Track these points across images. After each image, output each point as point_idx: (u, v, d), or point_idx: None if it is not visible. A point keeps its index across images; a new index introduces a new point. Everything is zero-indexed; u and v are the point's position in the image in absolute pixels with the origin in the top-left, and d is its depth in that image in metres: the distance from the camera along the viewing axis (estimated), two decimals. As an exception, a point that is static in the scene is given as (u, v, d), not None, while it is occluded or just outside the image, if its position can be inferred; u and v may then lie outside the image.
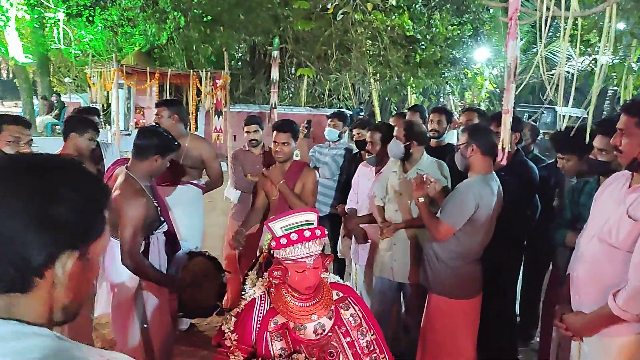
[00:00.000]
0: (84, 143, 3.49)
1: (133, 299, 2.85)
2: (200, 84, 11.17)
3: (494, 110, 15.15)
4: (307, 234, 1.89)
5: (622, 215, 2.03)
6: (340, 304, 2.08)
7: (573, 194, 2.92)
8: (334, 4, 8.56)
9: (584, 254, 2.24)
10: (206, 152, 3.97)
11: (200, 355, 3.71)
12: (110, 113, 12.29)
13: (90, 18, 13.07)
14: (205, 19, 12.22)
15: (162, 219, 2.88)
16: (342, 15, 9.19)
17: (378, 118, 14.86)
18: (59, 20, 13.15)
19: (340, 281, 2.23)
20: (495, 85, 16.65)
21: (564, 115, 3.18)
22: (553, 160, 3.57)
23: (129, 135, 11.81)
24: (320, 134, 5.59)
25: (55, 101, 15.15)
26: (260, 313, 2.00)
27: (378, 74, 13.55)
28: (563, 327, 2.29)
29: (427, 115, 4.60)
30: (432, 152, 3.71)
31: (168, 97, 10.73)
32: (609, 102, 18.94)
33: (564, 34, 2.40)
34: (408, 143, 3.35)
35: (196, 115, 12.23)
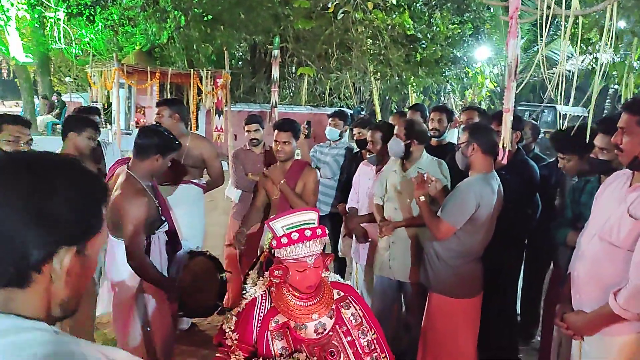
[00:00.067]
0: (83, 142, 3.49)
1: (134, 298, 2.86)
2: (201, 83, 11.18)
3: (494, 109, 15.13)
4: (308, 233, 1.89)
5: (623, 214, 2.03)
6: (341, 303, 2.08)
7: (574, 193, 2.91)
8: (335, 3, 8.55)
9: (584, 253, 2.23)
10: (207, 152, 3.97)
11: (201, 355, 3.71)
12: (111, 112, 12.31)
13: (91, 17, 13.08)
14: (205, 18, 12.22)
15: (163, 218, 2.89)
16: (342, 14, 9.18)
17: (379, 117, 14.86)
18: (59, 19, 13.16)
19: (341, 280, 2.22)
20: (495, 84, 16.65)
21: (564, 114, 3.19)
22: (554, 159, 3.57)
23: (130, 134, 11.81)
24: (321, 133, 5.59)
25: (56, 101, 15.16)
26: (261, 312, 2.00)
27: (379, 73, 13.56)
28: (564, 326, 2.29)
29: (427, 114, 4.60)
30: (433, 151, 3.70)
31: (169, 97, 10.76)
32: (609, 100, 18.94)
33: (565, 32, 2.40)
34: (408, 141, 3.35)
35: (197, 114, 12.25)
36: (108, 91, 11.31)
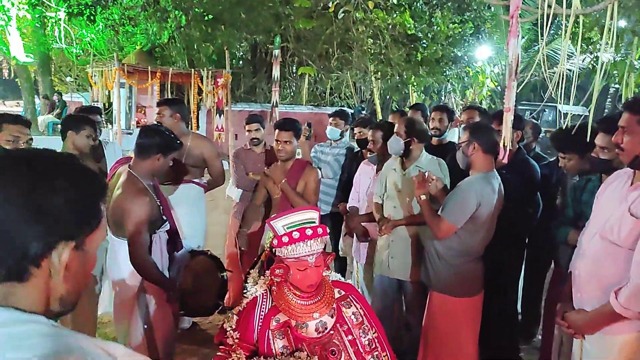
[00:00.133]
0: (82, 140, 3.49)
1: (135, 297, 2.86)
2: (202, 83, 11.19)
3: (495, 109, 15.12)
4: (309, 232, 1.89)
5: (624, 212, 2.03)
6: (342, 302, 2.08)
7: (575, 192, 2.91)
8: (335, 3, 8.55)
9: (585, 252, 2.24)
10: (208, 151, 3.97)
11: (202, 354, 3.72)
12: (112, 112, 12.31)
13: (92, 17, 13.09)
14: (206, 18, 12.23)
15: (164, 217, 2.89)
16: (343, 14, 9.18)
17: (379, 117, 14.86)
18: (60, 19, 13.17)
19: (342, 279, 2.23)
20: (496, 83, 16.63)
21: (565, 113, 3.19)
22: (554, 158, 3.57)
23: (131, 134, 11.82)
24: (322, 133, 5.59)
25: (57, 100, 15.17)
26: (262, 311, 2.01)
27: (379, 73, 13.54)
28: (565, 325, 2.29)
29: (428, 114, 4.60)
30: (434, 150, 3.71)
31: (169, 96, 10.76)
32: (610, 100, 18.92)
33: (566, 31, 2.40)
34: (408, 139, 3.36)
35: (197, 114, 12.25)
36: (109, 91, 11.32)
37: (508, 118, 2.70)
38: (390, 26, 11.21)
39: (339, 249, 4.41)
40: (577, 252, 2.33)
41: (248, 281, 2.23)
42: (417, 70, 12.44)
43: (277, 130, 3.57)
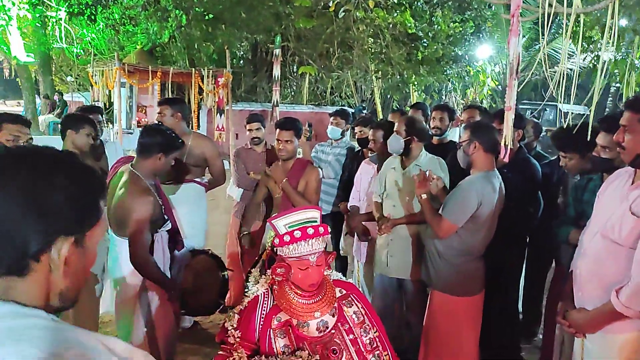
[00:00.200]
0: (81, 139, 3.49)
1: (137, 297, 2.86)
2: (202, 82, 11.18)
3: (496, 108, 15.11)
4: (310, 231, 1.89)
5: (625, 211, 2.03)
6: (343, 302, 2.08)
7: (576, 191, 2.91)
8: (336, 2, 8.55)
9: (586, 251, 2.24)
10: (209, 150, 3.98)
11: (203, 353, 3.72)
12: (113, 112, 12.32)
13: (92, 17, 13.10)
14: (207, 17, 12.23)
15: (165, 217, 2.89)
16: (343, 13, 9.19)
17: (380, 116, 14.87)
18: (60, 19, 13.18)
19: (343, 279, 2.23)
20: (497, 83, 16.63)
21: (566, 112, 3.19)
22: (555, 157, 3.56)
23: (131, 133, 11.83)
24: (323, 132, 5.59)
25: (58, 100, 15.19)
26: (264, 310, 2.01)
27: (380, 72, 13.56)
28: (566, 324, 2.30)
29: (429, 113, 4.60)
30: (435, 149, 3.70)
31: (170, 96, 10.76)
32: (611, 99, 18.91)
33: (566, 30, 2.40)
34: (408, 138, 3.36)
35: (198, 113, 12.26)
36: (109, 90, 11.33)
37: (509, 117, 2.70)
38: (390, 25, 11.21)
39: (340, 248, 4.41)
40: (578, 251, 2.33)
41: (249, 280, 2.24)
42: (418, 69, 12.45)
43: (278, 130, 3.57)
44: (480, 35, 14.08)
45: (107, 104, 12.61)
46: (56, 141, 3.49)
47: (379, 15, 10.72)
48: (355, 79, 15.70)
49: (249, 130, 4.39)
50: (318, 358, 1.90)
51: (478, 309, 3.05)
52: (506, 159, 2.95)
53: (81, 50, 14.26)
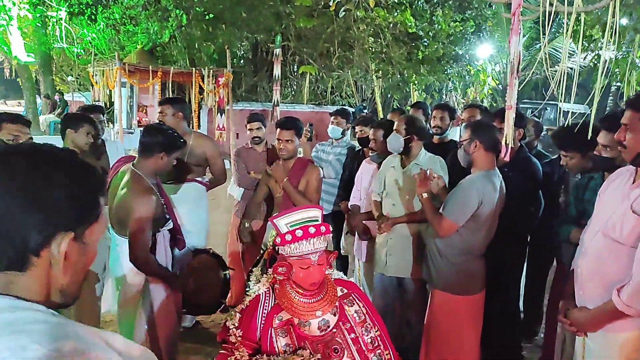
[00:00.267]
0: (81, 138, 3.49)
1: (139, 296, 2.87)
2: (203, 82, 11.18)
3: (496, 107, 15.11)
4: (311, 230, 1.89)
5: (627, 210, 2.03)
6: (345, 300, 2.08)
7: (577, 190, 2.91)
8: (336, 1, 8.55)
9: (588, 250, 2.24)
10: (210, 150, 3.98)
11: (205, 352, 3.73)
12: (113, 111, 12.32)
13: (93, 16, 13.10)
14: (207, 17, 12.23)
15: (167, 216, 2.90)
16: (344, 12, 9.19)
17: (381, 115, 14.87)
18: (61, 18, 13.19)
19: (345, 278, 2.23)
20: (497, 82, 16.62)
21: (566, 111, 3.19)
22: (556, 156, 3.56)
23: (132, 133, 11.83)
24: (323, 132, 5.60)
25: (58, 100, 15.19)
26: (265, 309, 2.01)
27: (380, 71, 13.56)
28: (567, 323, 2.30)
29: (430, 112, 4.60)
30: (435, 148, 3.70)
31: (171, 95, 10.76)
32: (612, 97, 18.88)
33: (567, 29, 2.40)
34: (408, 137, 3.36)
35: (199, 113, 12.25)
36: (110, 90, 11.32)
37: (510, 116, 2.70)
38: (391, 25, 11.21)
39: (341, 247, 4.41)
40: (580, 250, 2.33)
41: (250, 279, 2.24)
42: (418, 68, 12.45)
43: (278, 129, 3.57)
44: (481, 35, 14.07)
45: (108, 103, 12.60)
46: (57, 141, 3.49)
47: (380, 14, 10.72)
48: (355, 79, 15.70)
49: (250, 129, 4.39)
50: (319, 357, 1.90)
51: (479, 308, 3.05)
52: (507, 158, 2.95)
53: (82, 50, 14.26)
